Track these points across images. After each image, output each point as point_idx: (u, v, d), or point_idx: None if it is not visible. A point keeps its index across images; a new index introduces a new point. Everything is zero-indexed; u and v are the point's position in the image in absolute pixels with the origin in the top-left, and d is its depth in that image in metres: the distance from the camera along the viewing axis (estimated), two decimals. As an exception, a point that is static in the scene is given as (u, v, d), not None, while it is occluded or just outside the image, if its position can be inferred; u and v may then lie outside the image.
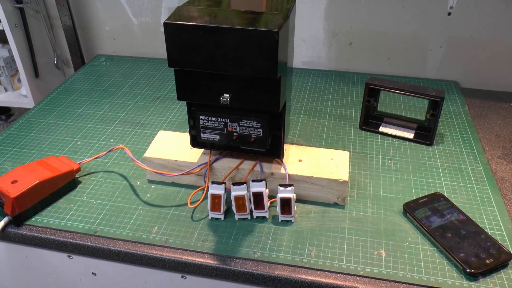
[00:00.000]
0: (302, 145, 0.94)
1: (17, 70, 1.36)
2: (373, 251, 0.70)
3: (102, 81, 1.24)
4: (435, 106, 0.91)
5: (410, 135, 0.97)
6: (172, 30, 0.62)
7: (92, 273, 0.79)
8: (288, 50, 0.67)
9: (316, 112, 1.06)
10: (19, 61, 1.25)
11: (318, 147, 0.89)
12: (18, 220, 0.75)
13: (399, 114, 1.02)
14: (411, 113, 1.06)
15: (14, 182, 0.75)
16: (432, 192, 0.81)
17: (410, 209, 0.76)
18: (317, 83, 1.20)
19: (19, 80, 1.40)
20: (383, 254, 0.69)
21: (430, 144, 0.95)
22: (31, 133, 1.01)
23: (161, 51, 1.38)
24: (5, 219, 0.74)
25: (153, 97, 1.15)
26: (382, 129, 0.99)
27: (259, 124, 0.70)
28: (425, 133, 0.96)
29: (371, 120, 1.00)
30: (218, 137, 0.73)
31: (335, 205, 0.79)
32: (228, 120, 0.70)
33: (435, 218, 0.74)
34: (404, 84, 0.94)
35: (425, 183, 0.84)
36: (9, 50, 1.35)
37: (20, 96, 1.39)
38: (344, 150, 0.91)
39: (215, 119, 0.71)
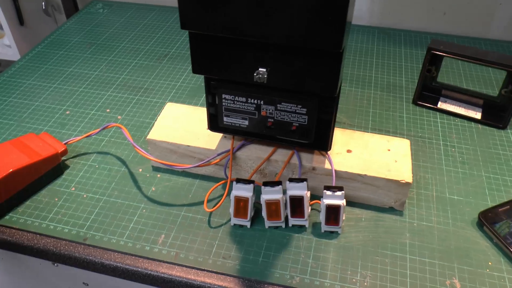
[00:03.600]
0: (345, 123, 0.75)
1: (-2, 15, 1.15)
2: (444, 279, 0.53)
3: (98, 32, 1.03)
4: (516, 81, 0.71)
5: (477, 114, 0.78)
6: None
7: (84, 283, 0.63)
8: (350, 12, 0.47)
9: (359, 80, 0.87)
10: (-2, 5, 1.05)
11: (369, 132, 0.71)
12: None
13: (463, 87, 0.82)
14: (475, 86, 0.86)
15: (-21, 170, 0.57)
16: (516, 196, 0.63)
17: (488, 221, 0.59)
18: (357, 42, 0.99)
19: (1, 27, 1.19)
20: (458, 286, 0.53)
21: (504, 128, 0.76)
22: (9, 98, 0.83)
23: (169, -3, 1.16)
24: None
25: (159, 55, 0.94)
26: (441, 105, 0.80)
27: (305, 110, 0.51)
28: (497, 113, 0.77)
29: (427, 93, 0.81)
30: (246, 122, 0.54)
31: (391, 210, 0.62)
32: (262, 102, 0.52)
33: (526, 236, 0.57)
34: (477, 51, 0.74)
35: (502, 181, 0.66)
36: (-12, -9, 1.13)
37: (3, 46, 1.19)
38: (402, 136, 0.72)
39: (244, 99, 0.52)
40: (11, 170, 0.58)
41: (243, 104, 0.53)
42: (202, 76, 0.86)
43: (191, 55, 0.49)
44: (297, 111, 0.52)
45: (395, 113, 0.79)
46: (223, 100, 0.53)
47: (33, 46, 1.15)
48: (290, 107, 0.51)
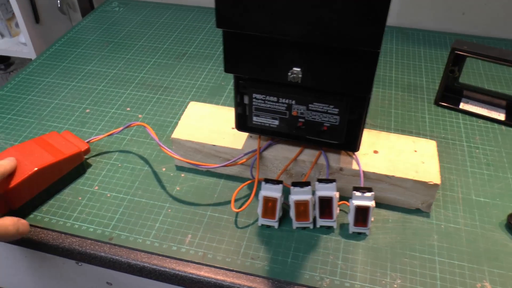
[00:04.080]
0: (367, 124, 0.75)
1: (14, 13, 1.14)
2: (475, 282, 0.53)
3: (115, 31, 1.03)
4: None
5: (500, 115, 0.77)
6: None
7: (107, 282, 0.63)
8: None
9: (379, 81, 0.86)
10: (15, 3, 1.04)
11: (394, 132, 0.70)
12: None
13: (485, 88, 0.81)
14: (498, 87, 0.85)
15: (5, 170, 0.57)
16: (545, 198, 0.62)
17: (517, 223, 0.58)
18: (375, 42, 0.98)
19: (17, 25, 1.19)
20: (489, 288, 0.52)
21: (528, 129, 0.75)
22: (29, 96, 0.82)
23: (185, -4, 1.16)
24: None
25: (177, 53, 0.94)
26: (463, 106, 0.79)
27: (337, 110, 0.51)
28: (521, 115, 0.76)
29: (449, 94, 0.80)
30: (276, 122, 0.54)
31: (418, 211, 0.61)
32: (294, 102, 0.51)
33: (558, 239, 0.56)
34: (502, 51, 0.73)
35: (528, 184, 0.66)
36: (4, -12, 1.13)
37: (19, 43, 1.19)
38: (425, 137, 0.71)
39: (275, 99, 0.52)
40: (36, 168, 0.58)
41: (274, 104, 0.52)
42: (222, 76, 0.86)
43: (224, 54, 0.49)
44: (329, 111, 0.51)
45: (417, 113, 0.78)
46: (254, 100, 0.53)
47: (47, 44, 1.15)
48: (322, 107, 0.51)
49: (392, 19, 1.05)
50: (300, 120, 0.53)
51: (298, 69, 0.47)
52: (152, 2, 1.16)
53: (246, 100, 0.54)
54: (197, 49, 0.95)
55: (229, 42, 0.48)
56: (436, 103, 0.80)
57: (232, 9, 0.44)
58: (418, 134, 0.73)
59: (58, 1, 1.18)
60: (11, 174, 0.56)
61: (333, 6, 0.41)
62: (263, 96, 0.52)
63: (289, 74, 0.47)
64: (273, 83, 0.51)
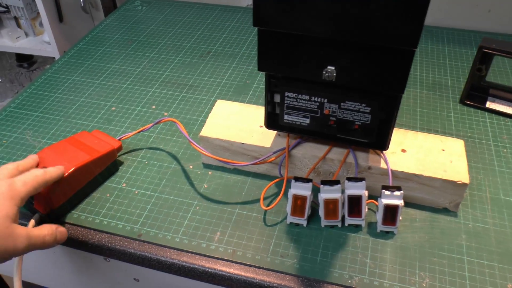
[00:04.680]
0: (399, 125, 0.74)
1: (38, 12, 1.16)
2: (506, 282, 0.52)
3: (138, 29, 1.04)
4: None
5: (528, 114, 0.76)
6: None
7: (134, 278, 0.63)
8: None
9: (404, 79, 0.86)
10: (40, 2, 1.05)
11: (422, 131, 0.70)
12: (52, 218, 0.59)
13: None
14: (524, 85, 0.84)
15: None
16: None
17: (548, 222, 0.58)
18: (398, 41, 0.98)
19: (41, 24, 1.21)
20: (520, 289, 0.52)
21: (556, 129, 0.74)
22: (55, 94, 0.83)
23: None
24: (35, 217, 0.57)
25: (201, 52, 0.95)
26: (489, 104, 0.78)
27: (369, 108, 0.51)
28: (549, 114, 0.75)
29: (475, 92, 0.80)
30: (307, 120, 0.54)
31: (445, 210, 0.61)
32: (326, 101, 0.51)
33: None
34: (530, 50, 0.73)
35: (558, 183, 0.65)
36: (29, -12, 1.15)
37: (43, 42, 1.21)
38: (451, 136, 0.71)
39: (307, 97, 0.52)
40: (74, 168, 0.58)
41: (306, 102, 0.52)
42: (247, 74, 0.86)
43: (259, 52, 0.49)
44: (361, 110, 0.51)
45: (442, 112, 0.78)
46: (286, 98, 0.53)
47: (71, 43, 1.17)
48: (354, 105, 0.51)
49: (415, 17, 1.05)
50: (331, 118, 0.53)
51: (333, 68, 0.47)
52: (175, 0, 1.17)
53: (277, 98, 0.54)
54: (221, 47, 0.96)
55: (264, 41, 0.48)
56: (462, 102, 0.80)
57: (269, 9, 0.44)
58: (444, 133, 0.73)
59: (81, 0, 1.19)
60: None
61: (372, 4, 0.41)
62: (295, 94, 0.52)
63: (324, 72, 0.47)
64: (305, 81, 0.51)
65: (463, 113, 0.78)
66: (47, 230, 0.53)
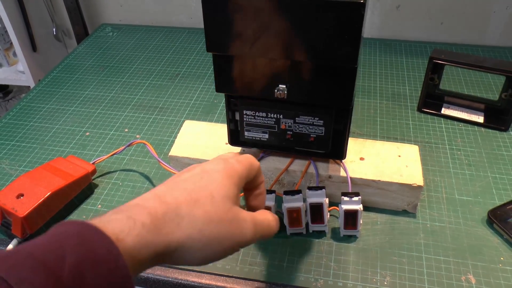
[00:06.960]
0: (354, 133, 0.79)
1: (11, 43, 1.19)
2: (460, 275, 0.56)
3: (109, 55, 1.07)
4: (515, 85, 0.75)
5: (480, 118, 0.81)
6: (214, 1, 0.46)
7: None
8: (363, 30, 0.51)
9: (364, 91, 0.91)
10: (12, 32, 1.09)
11: (378, 139, 0.74)
12: None
13: (464, 93, 0.86)
14: (476, 91, 0.90)
15: (19, 196, 0.60)
16: (523, 194, 0.66)
17: (497, 218, 0.62)
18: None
19: (14, 54, 1.23)
20: (473, 281, 0.56)
21: (506, 130, 0.79)
22: (31, 122, 0.86)
23: (176, 19, 1.21)
24: (14, 242, 0.59)
25: (170, 75, 0.98)
26: (444, 111, 0.83)
27: (322, 122, 0.55)
28: (499, 116, 0.80)
29: (431, 100, 0.85)
30: (266, 136, 0.58)
31: (405, 212, 0.65)
32: (281, 116, 0.55)
33: (535, 231, 0.60)
34: (477, 58, 0.78)
35: (507, 180, 0.69)
36: (0, 20, 1.17)
37: (17, 72, 1.23)
38: (410, 142, 0.76)
39: (264, 115, 0.56)
40: (50, 192, 0.61)
41: (263, 118, 0.56)
42: (215, 94, 0.90)
43: (215, 75, 0.53)
44: (314, 123, 0.55)
45: (401, 120, 0.82)
46: (244, 116, 0.57)
47: (45, 71, 1.19)
48: (308, 119, 0.55)
49: (375, 32, 1.10)
50: (288, 132, 0.57)
51: (284, 86, 0.51)
52: (144, 26, 1.21)
53: (237, 116, 0.58)
54: (189, 69, 1.00)
55: (218, 64, 0.52)
56: (419, 109, 0.85)
57: (219, 35, 0.48)
58: (403, 140, 0.78)
59: (54, 29, 1.22)
60: (25, 199, 0.59)
61: (314, 29, 0.45)
62: (252, 112, 0.56)
63: (275, 90, 0.51)
64: (261, 99, 0.55)
65: (420, 120, 0.82)
66: (271, 214, 0.44)
